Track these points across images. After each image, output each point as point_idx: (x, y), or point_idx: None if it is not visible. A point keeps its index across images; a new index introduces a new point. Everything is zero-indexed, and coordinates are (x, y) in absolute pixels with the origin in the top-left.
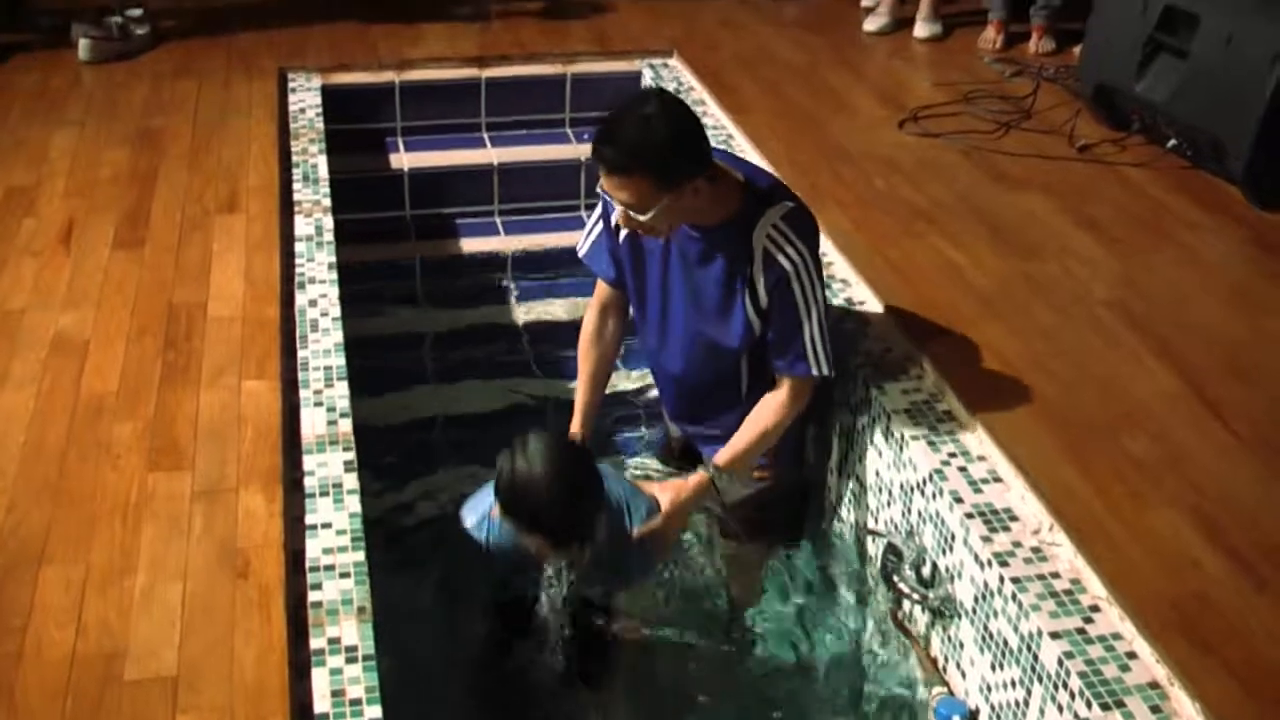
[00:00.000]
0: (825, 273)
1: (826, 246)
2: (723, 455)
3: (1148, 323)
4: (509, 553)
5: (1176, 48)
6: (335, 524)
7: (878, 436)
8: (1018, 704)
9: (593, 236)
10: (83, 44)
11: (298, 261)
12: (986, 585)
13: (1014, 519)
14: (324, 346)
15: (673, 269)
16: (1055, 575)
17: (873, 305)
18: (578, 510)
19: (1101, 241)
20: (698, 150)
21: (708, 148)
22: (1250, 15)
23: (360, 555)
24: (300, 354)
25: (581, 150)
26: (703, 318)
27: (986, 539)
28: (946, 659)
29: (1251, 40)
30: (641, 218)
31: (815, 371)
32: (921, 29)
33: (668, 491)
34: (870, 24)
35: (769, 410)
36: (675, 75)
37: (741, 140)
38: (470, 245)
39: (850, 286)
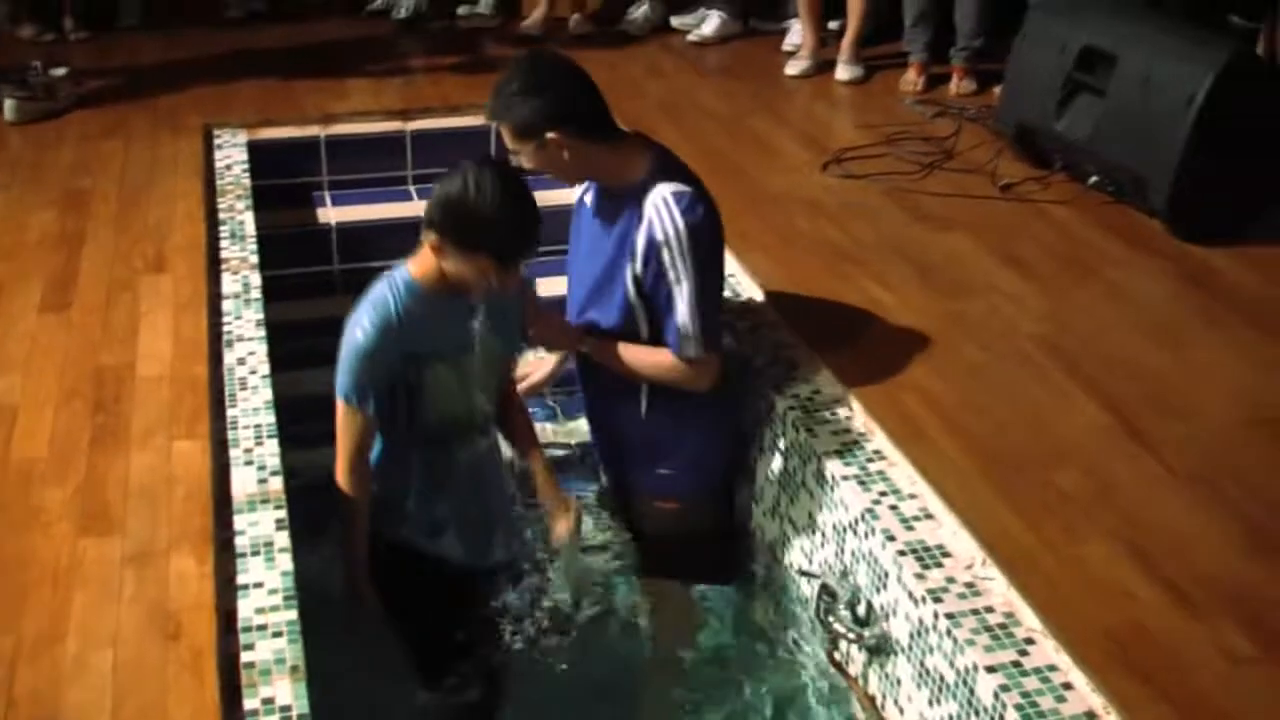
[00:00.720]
0: (754, 318)
1: (750, 288)
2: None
3: (1075, 358)
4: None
5: (1095, 87)
6: (267, 583)
7: (809, 478)
8: None
9: None
10: (8, 104)
11: (225, 319)
12: (921, 622)
13: (946, 555)
14: (253, 404)
15: (584, 234)
16: (989, 609)
17: (800, 348)
18: (528, 200)
19: (1027, 278)
20: (547, 107)
21: (570, 111)
22: (1166, 56)
23: (293, 614)
24: (230, 412)
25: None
26: (592, 293)
27: (920, 576)
28: (884, 696)
29: (1168, 80)
30: (523, 157)
31: (677, 352)
32: (843, 72)
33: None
34: (792, 68)
35: (654, 356)
36: None
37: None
38: None
39: (778, 329)
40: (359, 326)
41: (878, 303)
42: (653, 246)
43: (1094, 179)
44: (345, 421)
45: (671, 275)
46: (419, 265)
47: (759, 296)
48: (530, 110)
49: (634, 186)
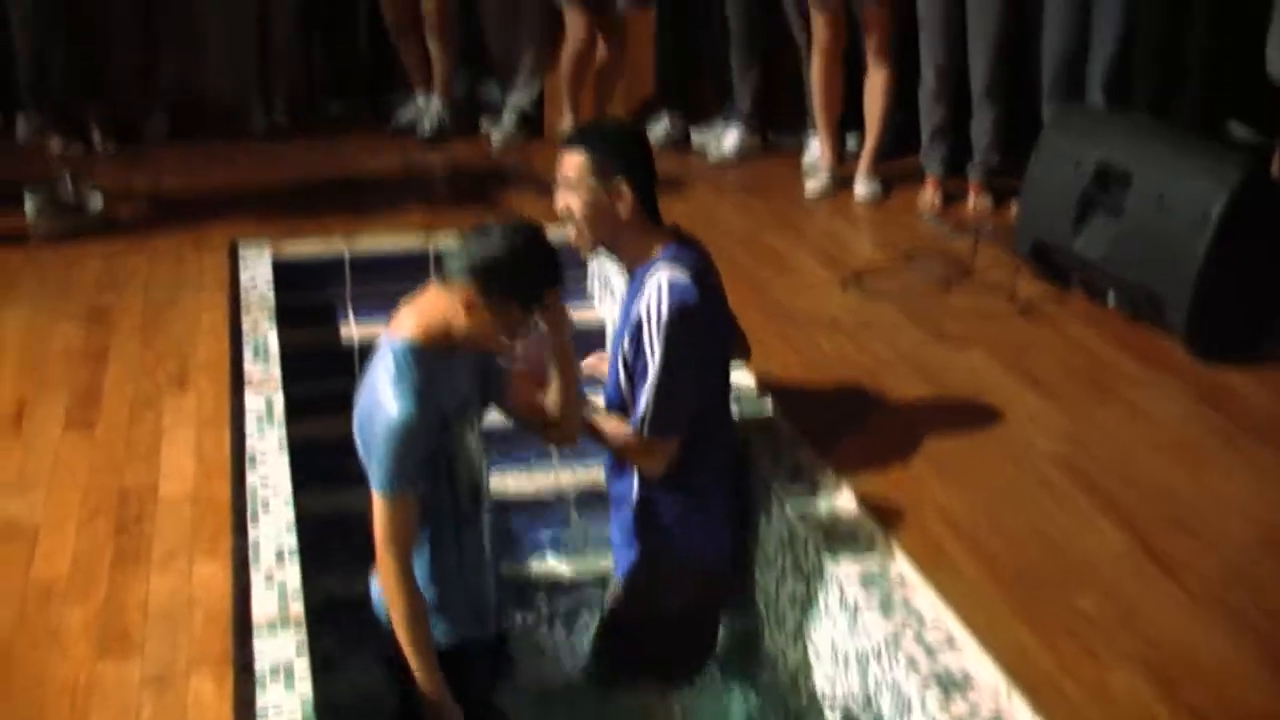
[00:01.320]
0: (775, 434)
1: (768, 408)
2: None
3: (1094, 478)
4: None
5: (1111, 205)
6: (286, 708)
7: (831, 603)
8: None
9: None
10: (37, 216)
11: (249, 438)
12: None
13: (971, 684)
14: (275, 525)
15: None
16: None
17: (820, 466)
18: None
19: (1046, 397)
20: (628, 156)
21: (637, 163)
22: (1181, 174)
23: None
24: (251, 533)
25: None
26: (609, 367)
27: (944, 706)
28: None
29: (1183, 198)
30: (573, 194)
31: (634, 423)
32: (861, 187)
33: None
34: (811, 184)
35: (619, 427)
36: None
37: None
38: None
39: (796, 446)
40: (389, 407)
41: (896, 421)
42: (639, 323)
43: (1112, 297)
44: (392, 517)
45: (647, 352)
46: (419, 328)
47: (777, 414)
48: (616, 150)
49: (646, 267)
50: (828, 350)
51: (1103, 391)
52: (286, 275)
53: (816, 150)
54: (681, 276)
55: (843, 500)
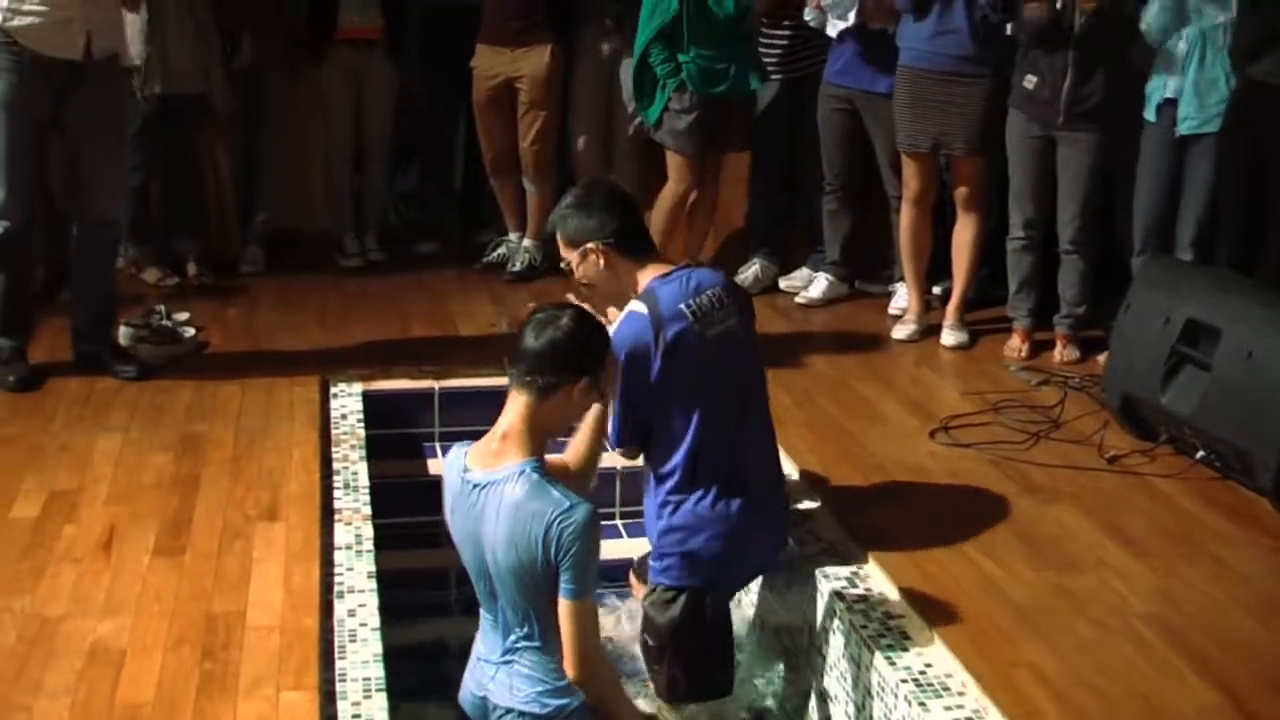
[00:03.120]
0: (864, 584)
1: (862, 556)
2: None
3: (1186, 636)
4: None
5: (1200, 360)
6: None
7: None
8: None
9: None
10: (133, 345)
11: (337, 570)
12: None
13: None
14: (362, 657)
15: None
16: None
17: (912, 619)
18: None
19: (1136, 554)
20: (598, 226)
21: (610, 229)
22: (1270, 330)
23: None
24: (339, 665)
25: (619, 459)
26: None
27: None
28: None
29: (1273, 355)
30: (567, 267)
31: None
32: (948, 337)
33: None
34: (898, 332)
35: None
36: None
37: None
38: None
39: (888, 601)
40: (573, 511)
41: (987, 575)
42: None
43: (1200, 454)
44: (589, 618)
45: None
46: (535, 450)
47: (869, 565)
48: (578, 223)
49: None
50: (915, 499)
51: (1192, 549)
52: (376, 409)
53: (904, 299)
54: (638, 309)
55: (934, 652)
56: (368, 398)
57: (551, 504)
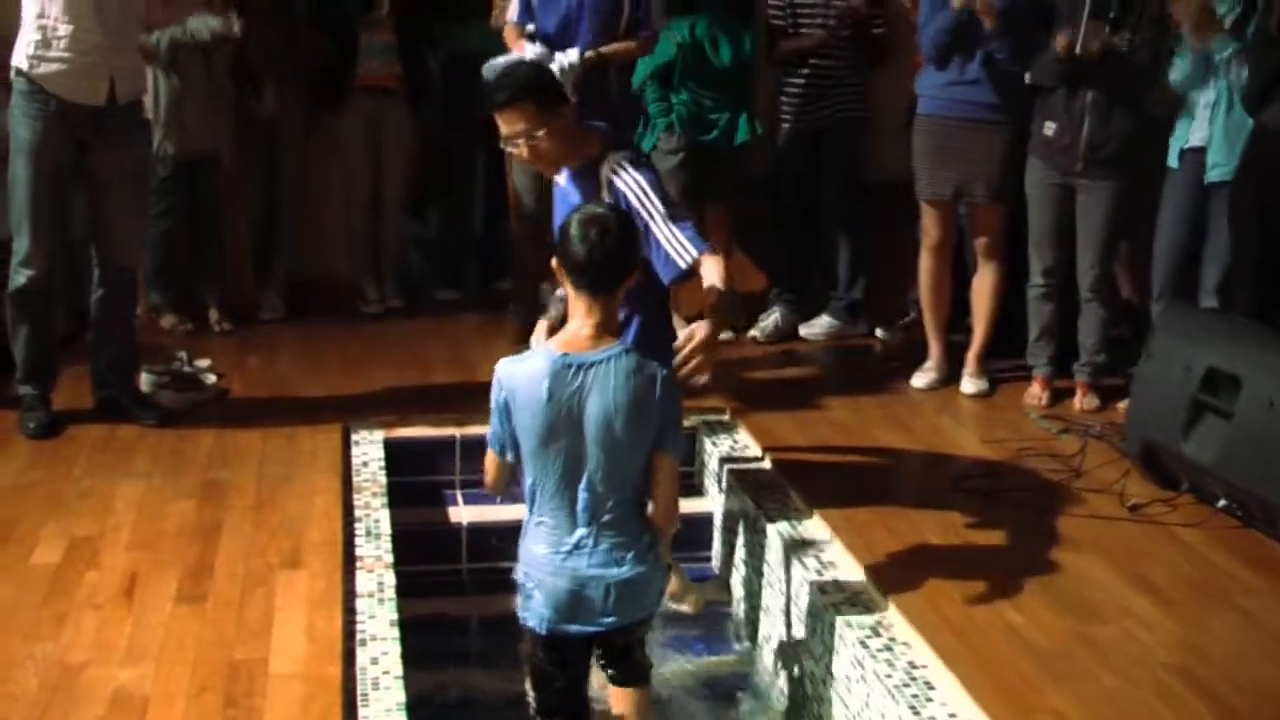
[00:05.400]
0: (887, 633)
1: (883, 602)
2: None
3: (1211, 686)
4: None
5: (1221, 409)
6: None
7: None
8: None
9: None
10: (154, 391)
11: (359, 618)
12: None
13: None
14: (385, 705)
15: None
16: None
17: (935, 667)
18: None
19: (1159, 603)
20: (557, 87)
21: (559, 88)
22: None
23: None
24: (361, 712)
25: None
26: None
27: None
28: None
29: None
30: (537, 136)
31: (683, 263)
32: (969, 385)
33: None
34: (918, 380)
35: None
36: (732, 435)
37: (797, 500)
38: None
39: (911, 649)
40: (658, 372)
41: (1010, 624)
42: (620, 199)
43: (1222, 502)
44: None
45: (646, 215)
46: (618, 333)
47: (892, 612)
48: (547, 89)
49: (591, 160)
50: (937, 547)
51: (1216, 598)
52: (398, 456)
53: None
54: (625, 151)
55: (958, 700)
56: (389, 445)
57: (657, 372)
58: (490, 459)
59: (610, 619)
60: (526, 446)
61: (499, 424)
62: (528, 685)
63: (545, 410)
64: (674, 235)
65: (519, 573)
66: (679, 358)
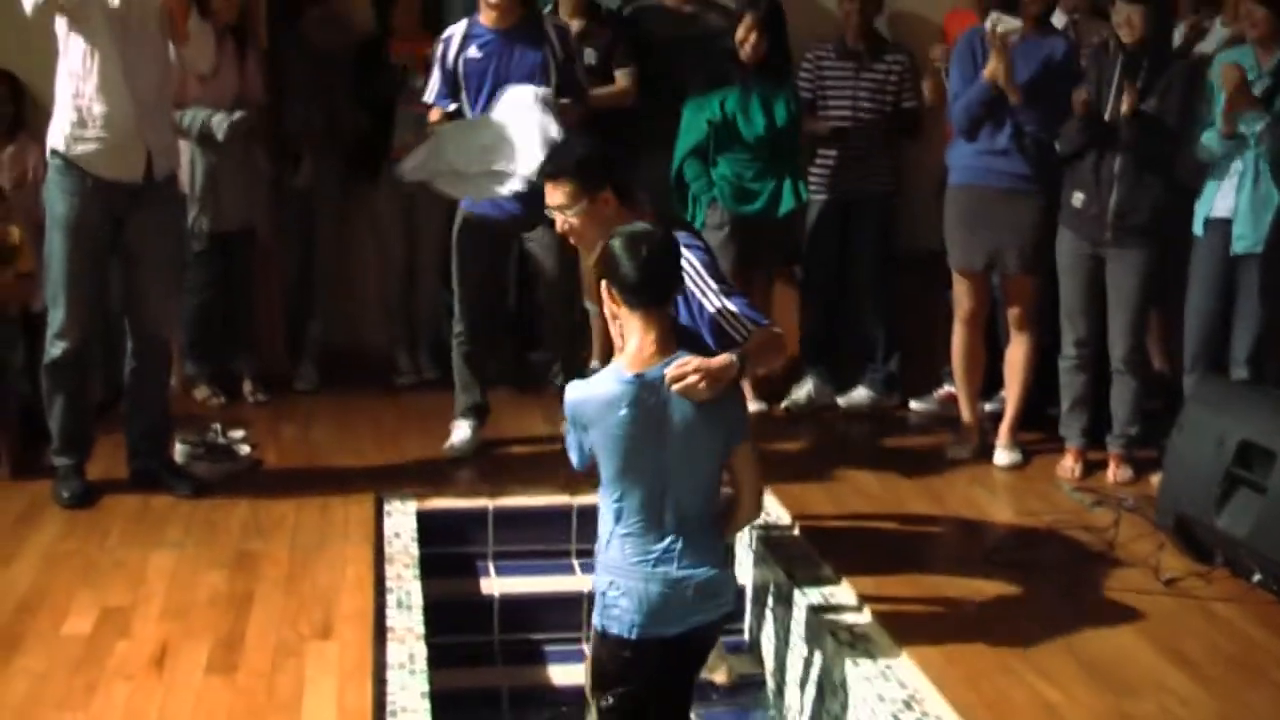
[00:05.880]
0: (920, 707)
1: (919, 681)
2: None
3: None
4: None
5: (1255, 483)
6: None
7: None
8: None
9: None
10: (188, 460)
11: (390, 690)
12: None
13: None
14: None
15: None
16: None
17: None
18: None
19: (1196, 679)
20: (603, 168)
21: (610, 171)
22: None
23: None
24: None
25: (589, 581)
26: None
27: None
28: None
29: None
30: (570, 213)
31: (739, 338)
32: (1002, 456)
33: None
34: (951, 451)
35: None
36: (767, 506)
37: (828, 570)
38: (559, 674)
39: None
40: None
41: (1045, 699)
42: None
43: (1258, 577)
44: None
45: (699, 294)
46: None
47: (924, 687)
48: (594, 168)
49: None
50: (973, 622)
51: (1253, 673)
52: (430, 527)
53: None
54: (682, 233)
55: None
56: (421, 516)
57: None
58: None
59: (697, 618)
60: (610, 467)
61: (578, 438)
62: (591, 697)
63: (629, 432)
64: (728, 311)
65: (601, 583)
66: (674, 366)
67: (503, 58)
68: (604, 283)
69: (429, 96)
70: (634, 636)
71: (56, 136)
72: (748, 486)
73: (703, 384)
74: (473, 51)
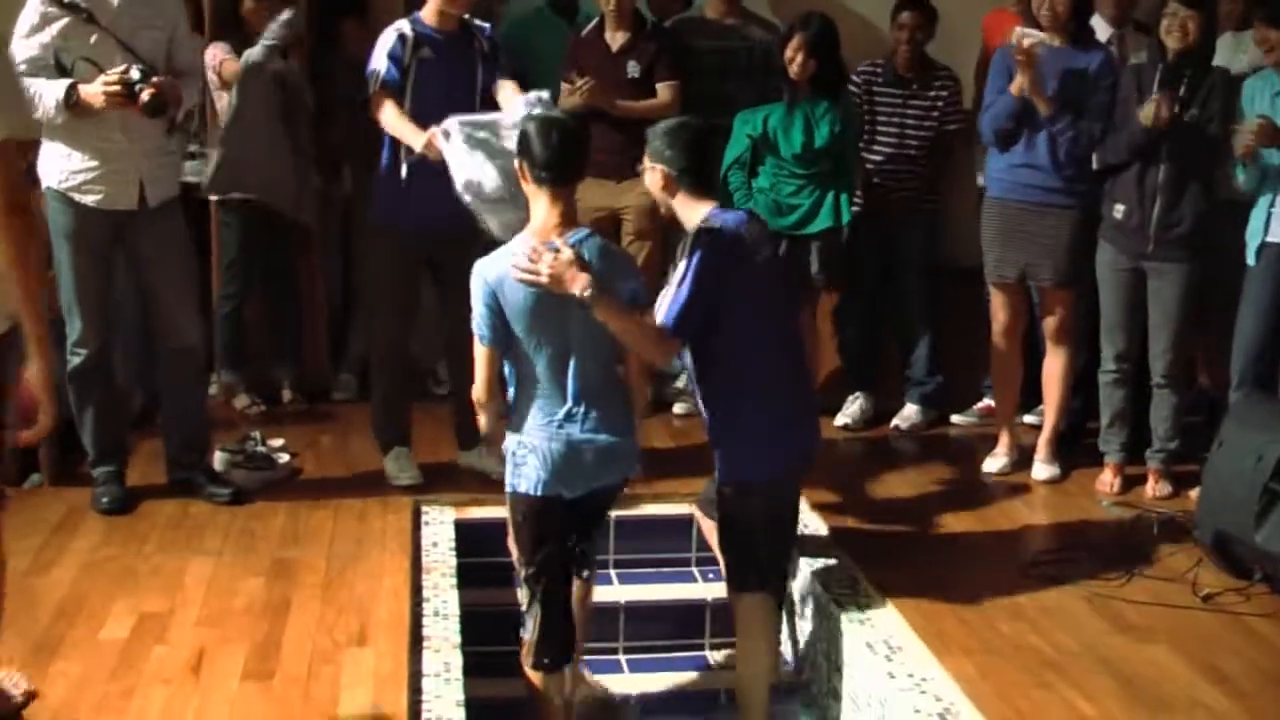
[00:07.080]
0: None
1: (954, 694)
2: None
3: None
4: None
5: None
6: None
7: None
8: None
9: None
10: (227, 468)
11: (425, 698)
12: None
13: None
14: None
15: None
16: None
17: None
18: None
19: (1232, 695)
20: (669, 148)
21: (676, 161)
22: None
23: None
24: None
25: (709, 589)
26: None
27: None
28: None
29: None
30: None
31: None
32: (1040, 471)
33: None
34: (990, 464)
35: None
36: (805, 520)
37: (866, 585)
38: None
39: None
40: None
41: (1081, 714)
42: (679, 246)
43: None
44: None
45: (681, 265)
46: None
47: (960, 701)
48: (659, 145)
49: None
50: (1009, 636)
51: None
52: (468, 536)
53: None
54: (715, 216)
55: None
56: (459, 525)
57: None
58: (482, 354)
59: (599, 481)
60: (518, 332)
61: (488, 318)
62: (514, 551)
63: (531, 295)
64: (665, 294)
65: (511, 443)
66: (531, 250)
67: (451, 62)
68: (518, 162)
69: (384, 76)
70: (539, 493)
71: (49, 172)
72: (631, 359)
73: (542, 280)
74: (426, 53)
